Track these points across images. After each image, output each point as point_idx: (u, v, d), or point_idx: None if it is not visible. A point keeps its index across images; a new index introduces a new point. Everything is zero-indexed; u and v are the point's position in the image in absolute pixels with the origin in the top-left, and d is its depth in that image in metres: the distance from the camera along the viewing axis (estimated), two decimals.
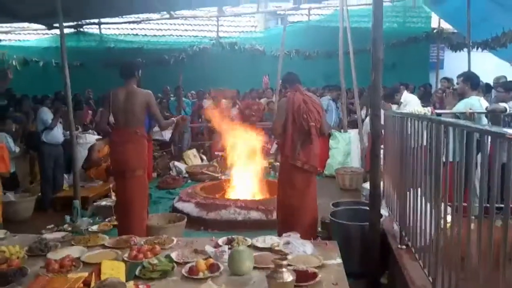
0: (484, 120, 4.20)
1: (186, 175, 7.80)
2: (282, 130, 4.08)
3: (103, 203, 5.84)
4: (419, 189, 2.78)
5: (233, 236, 3.18)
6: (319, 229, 4.48)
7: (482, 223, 1.80)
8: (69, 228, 4.89)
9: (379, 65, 3.13)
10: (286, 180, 4.14)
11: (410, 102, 5.45)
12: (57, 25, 9.74)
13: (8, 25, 11.27)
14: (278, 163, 8.30)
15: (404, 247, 3.14)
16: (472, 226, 1.94)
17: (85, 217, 5.39)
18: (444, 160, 2.19)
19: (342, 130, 8.22)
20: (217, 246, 3.02)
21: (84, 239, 3.24)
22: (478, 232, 1.76)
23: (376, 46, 3.10)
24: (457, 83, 4.72)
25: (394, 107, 5.70)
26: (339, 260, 2.77)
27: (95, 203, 5.89)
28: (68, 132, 6.23)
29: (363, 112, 8.08)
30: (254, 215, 5.13)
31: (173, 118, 5.25)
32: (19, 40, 12.27)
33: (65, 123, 6.24)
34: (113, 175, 4.48)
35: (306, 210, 4.08)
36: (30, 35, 12.20)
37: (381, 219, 3.67)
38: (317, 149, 4.16)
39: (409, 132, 2.97)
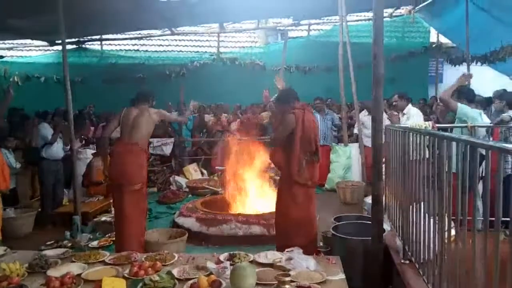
0: (482, 133, 4.21)
1: (187, 190, 7.77)
2: (283, 145, 3.99)
3: (103, 218, 5.80)
4: (421, 203, 2.77)
5: (235, 252, 3.17)
6: (321, 243, 4.45)
7: (487, 237, 1.79)
8: (69, 244, 4.85)
9: (381, 80, 3.14)
10: (287, 196, 4.06)
11: (414, 116, 5.46)
12: (59, 41, 9.87)
13: (10, 41, 11.39)
14: (278, 177, 8.32)
15: (407, 261, 3.12)
16: (477, 240, 1.93)
17: (85, 232, 5.36)
18: (446, 170, 2.18)
19: (342, 144, 8.21)
20: (218, 262, 3.00)
21: (84, 255, 3.21)
22: (483, 246, 1.75)
23: (377, 62, 3.12)
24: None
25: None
26: (342, 276, 2.75)
27: (95, 219, 5.85)
28: (68, 147, 6.24)
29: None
30: (256, 229, 5.09)
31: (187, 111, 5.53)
32: (21, 56, 12.36)
33: (65, 138, 6.24)
34: (111, 187, 4.51)
35: (306, 225, 4.03)
36: (32, 51, 12.29)
37: (384, 234, 3.65)
38: (317, 167, 4.17)
39: (411, 146, 2.97)
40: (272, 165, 8.63)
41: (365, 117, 7.61)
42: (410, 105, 5.84)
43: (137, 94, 4.56)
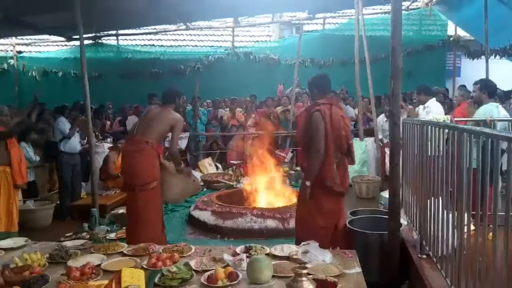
0: (500, 127, 4.14)
1: (202, 183, 7.82)
2: (323, 145, 3.54)
3: (121, 211, 5.87)
4: (439, 198, 2.74)
5: (251, 245, 3.18)
6: None
7: (509, 232, 1.77)
8: (87, 236, 4.94)
9: (398, 74, 3.11)
10: (312, 204, 3.65)
11: (433, 111, 5.36)
12: (76, 36, 10.00)
13: (28, 37, 11.56)
14: (293, 172, 8.32)
15: (424, 256, 3.10)
16: (498, 234, 1.91)
17: (103, 225, 5.45)
18: (467, 164, 2.15)
19: (358, 139, 8.16)
20: (235, 254, 3.02)
21: (103, 247, 3.27)
22: (505, 241, 1.73)
23: (395, 55, 3.09)
24: (473, 91, 4.66)
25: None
26: (358, 269, 2.74)
27: (112, 211, 5.94)
28: (85, 141, 6.33)
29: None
30: (271, 223, 5.11)
31: (182, 166, 4.66)
32: (39, 51, 12.55)
33: (82, 132, 6.33)
34: (123, 187, 4.37)
35: (334, 237, 3.60)
36: (49, 47, 12.47)
37: (400, 228, 3.63)
38: (347, 169, 3.81)
39: (429, 140, 2.94)
40: (287, 160, 8.75)
41: (384, 122, 7.54)
42: (433, 99, 5.70)
43: (163, 95, 4.40)
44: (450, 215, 2.50)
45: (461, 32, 11.24)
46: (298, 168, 8.64)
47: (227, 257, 2.88)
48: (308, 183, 3.58)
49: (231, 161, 8.99)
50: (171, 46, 12.65)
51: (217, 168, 8.94)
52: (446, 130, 2.52)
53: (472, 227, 2.25)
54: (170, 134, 4.27)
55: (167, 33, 12.24)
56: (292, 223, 5.16)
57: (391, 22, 3.12)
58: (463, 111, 5.47)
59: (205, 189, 7.54)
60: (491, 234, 1.93)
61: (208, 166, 8.86)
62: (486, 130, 1.97)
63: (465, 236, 2.26)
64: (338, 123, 3.57)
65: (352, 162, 3.72)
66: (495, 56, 9.19)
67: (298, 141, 4.11)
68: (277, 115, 9.53)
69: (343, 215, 3.86)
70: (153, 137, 4.15)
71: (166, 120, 4.18)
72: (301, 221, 3.82)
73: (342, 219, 3.80)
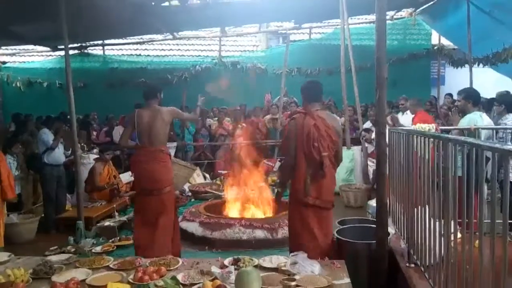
0: (484, 135, 4.20)
1: (190, 194, 7.76)
2: (293, 154, 3.49)
3: (107, 223, 5.81)
4: (426, 206, 2.76)
5: (239, 256, 3.15)
6: None
7: (494, 240, 1.78)
8: (73, 249, 4.85)
9: (384, 84, 3.14)
10: (296, 220, 3.62)
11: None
12: (61, 46, 9.92)
13: (13, 47, 11.45)
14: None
15: (412, 265, 3.10)
16: (484, 242, 1.92)
17: (88, 238, 5.36)
18: (452, 172, 2.17)
19: (345, 147, 8.20)
20: (223, 266, 2.99)
21: (89, 261, 3.20)
22: (491, 249, 1.74)
23: (380, 65, 3.12)
24: (458, 100, 4.73)
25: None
26: (347, 280, 2.73)
27: (98, 224, 5.86)
28: (69, 152, 6.25)
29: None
30: (259, 233, 5.08)
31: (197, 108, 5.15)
32: (23, 61, 12.42)
33: (66, 143, 6.25)
34: (139, 193, 4.43)
35: (316, 250, 3.42)
36: (34, 57, 12.35)
37: (388, 237, 3.63)
38: (332, 182, 3.61)
39: (415, 149, 2.96)
40: (275, 169, 8.74)
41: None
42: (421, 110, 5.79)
43: (144, 92, 4.45)
44: (437, 224, 2.51)
45: (445, 41, 11.43)
46: None
47: (215, 269, 2.84)
48: (279, 190, 3.73)
49: (219, 171, 8.96)
50: (157, 56, 12.63)
51: (205, 178, 8.89)
52: (432, 139, 2.54)
53: (459, 235, 2.27)
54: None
55: (154, 42, 12.21)
56: (280, 233, 5.16)
57: (376, 32, 3.15)
58: (423, 118, 5.54)
59: (193, 200, 7.48)
60: (477, 242, 1.94)
61: (196, 176, 8.80)
62: (470, 139, 1.99)
63: (452, 245, 2.27)
64: (308, 133, 3.42)
65: (324, 176, 3.45)
66: (478, 65, 9.34)
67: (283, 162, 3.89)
68: (265, 124, 9.54)
69: (326, 228, 3.66)
70: (163, 142, 4.37)
71: (165, 120, 4.30)
72: (291, 233, 3.78)
73: (326, 233, 3.64)
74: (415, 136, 2.92)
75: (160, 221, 4.23)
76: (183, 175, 5.02)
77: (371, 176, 7.40)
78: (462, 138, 2.18)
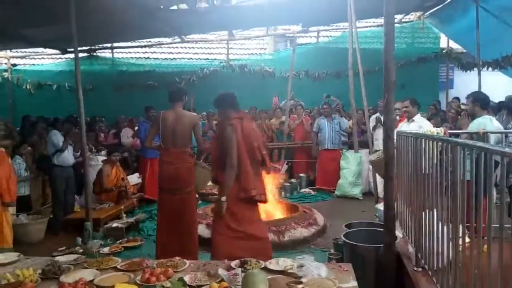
0: (493, 140, 4.17)
1: (197, 196, 7.77)
2: (236, 158, 3.61)
3: (115, 224, 5.84)
4: (434, 210, 2.74)
5: (246, 259, 3.15)
6: (332, 250, 4.42)
7: (503, 244, 1.77)
8: (81, 250, 4.88)
9: (392, 87, 3.14)
10: (243, 217, 3.72)
11: (424, 125, 5.28)
12: (71, 49, 10.02)
13: (23, 50, 11.57)
14: (288, 184, 8.32)
15: (420, 269, 3.09)
16: (492, 246, 1.91)
17: (96, 239, 5.39)
18: (460, 177, 2.16)
19: (353, 151, 8.19)
20: (230, 268, 2.99)
21: (96, 261, 3.22)
22: (499, 253, 1.73)
23: (388, 69, 3.12)
24: (466, 104, 4.70)
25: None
26: (354, 283, 2.72)
27: (106, 225, 5.89)
28: (78, 153, 6.30)
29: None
30: None
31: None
32: (33, 64, 12.55)
33: (75, 145, 6.30)
34: (163, 191, 4.59)
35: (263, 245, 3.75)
36: (44, 60, 12.47)
37: (396, 241, 3.62)
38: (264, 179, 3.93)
39: (423, 153, 2.95)
40: (282, 172, 8.73)
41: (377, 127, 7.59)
42: (419, 114, 5.70)
43: (170, 94, 4.64)
44: (445, 228, 2.50)
45: (454, 45, 11.37)
46: (293, 180, 8.67)
47: (222, 271, 2.85)
48: (223, 199, 3.59)
49: None
50: (166, 59, 12.69)
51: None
52: (440, 143, 2.54)
53: (468, 239, 2.25)
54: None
55: (162, 46, 12.30)
56: (287, 236, 5.16)
57: (384, 36, 3.15)
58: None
59: (200, 202, 7.50)
60: (486, 246, 1.93)
61: None
62: (480, 143, 1.98)
63: (460, 249, 2.26)
64: (249, 135, 3.69)
65: (268, 171, 3.85)
66: (487, 68, 9.28)
67: (214, 158, 4.02)
68: (271, 127, 9.56)
69: (257, 222, 3.89)
70: (187, 144, 4.56)
71: (187, 124, 4.49)
72: (218, 236, 3.79)
73: (254, 227, 3.81)
74: (423, 139, 2.91)
75: (185, 222, 4.43)
76: (203, 177, 5.07)
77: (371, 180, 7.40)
78: (471, 142, 2.17)
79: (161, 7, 7.71)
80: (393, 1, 3.16)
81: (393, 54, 3.17)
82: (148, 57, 12.69)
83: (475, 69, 8.98)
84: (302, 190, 8.48)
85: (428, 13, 10.83)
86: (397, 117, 5.84)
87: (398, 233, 3.92)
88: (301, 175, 8.86)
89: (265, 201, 3.87)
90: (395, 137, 3.33)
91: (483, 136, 4.06)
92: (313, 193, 8.30)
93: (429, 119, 8.12)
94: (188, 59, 12.80)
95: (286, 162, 9.20)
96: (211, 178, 3.98)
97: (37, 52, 11.79)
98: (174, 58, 12.76)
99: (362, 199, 7.67)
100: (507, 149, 1.66)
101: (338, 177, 8.07)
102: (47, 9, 6.53)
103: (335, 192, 8.05)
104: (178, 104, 4.56)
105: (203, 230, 5.33)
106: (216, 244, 3.76)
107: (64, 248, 5.12)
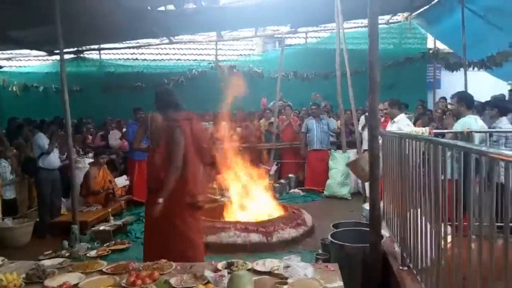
0: (478, 139, 4.21)
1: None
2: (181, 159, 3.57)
3: (102, 227, 5.80)
4: (418, 209, 2.77)
5: (233, 260, 3.14)
6: (319, 250, 4.44)
7: (482, 243, 1.79)
8: (67, 254, 4.84)
9: (376, 88, 3.16)
10: (189, 222, 3.72)
11: (404, 127, 5.31)
12: (58, 51, 9.92)
13: (9, 51, 11.44)
14: (278, 185, 8.33)
15: (405, 268, 3.11)
16: (473, 245, 1.93)
17: (83, 242, 5.35)
18: (442, 177, 2.19)
19: (341, 151, 8.23)
20: (216, 270, 2.98)
21: (82, 265, 3.19)
22: (479, 252, 1.75)
23: (372, 69, 3.14)
24: (451, 104, 4.75)
25: None
26: (340, 283, 2.72)
27: (93, 228, 5.84)
28: (64, 156, 6.24)
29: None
30: (254, 237, 5.09)
31: None
32: (20, 66, 12.41)
33: (61, 147, 6.24)
34: (151, 192, 4.47)
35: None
36: (31, 61, 12.35)
37: (382, 240, 3.64)
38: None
39: (407, 152, 2.97)
40: (272, 173, 8.74)
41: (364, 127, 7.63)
42: (402, 115, 5.70)
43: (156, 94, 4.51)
44: (428, 226, 2.52)
45: (440, 45, 11.48)
46: (282, 181, 8.68)
47: (208, 273, 2.84)
48: (160, 200, 3.53)
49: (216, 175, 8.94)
50: (154, 60, 12.64)
51: None
52: (423, 143, 2.56)
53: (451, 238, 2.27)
54: None
55: (150, 47, 12.23)
56: (275, 237, 5.17)
57: (369, 37, 3.17)
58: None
59: None
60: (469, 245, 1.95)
61: None
62: (460, 143, 2.00)
63: (442, 247, 2.28)
64: (199, 137, 3.64)
65: (218, 172, 3.78)
66: (473, 68, 9.39)
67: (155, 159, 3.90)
68: (259, 128, 9.56)
69: (196, 228, 3.84)
70: None
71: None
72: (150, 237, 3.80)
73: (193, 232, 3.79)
74: (407, 140, 2.94)
75: (173, 223, 4.26)
76: None
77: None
78: (452, 141, 2.19)
79: (148, 8, 7.67)
80: (378, 2, 3.18)
81: (378, 54, 3.19)
82: (136, 59, 12.62)
83: (462, 69, 9.08)
84: (291, 190, 8.50)
85: (415, 14, 10.92)
86: (382, 118, 5.86)
87: (385, 232, 3.94)
88: (290, 175, 8.88)
89: (202, 207, 3.77)
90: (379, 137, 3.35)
91: (468, 135, 4.11)
92: (302, 193, 8.33)
93: (416, 119, 8.24)
94: (177, 60, 12.76)
95: (275, 163, 9.21)
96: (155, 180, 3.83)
97: (24, 54, 11.66)
98: (162, 59, 12.72)
99: (351, 199, 7.71)
100: (484, 148, 1.69)
101: (327, 177, 8.10)
102: (33, 11, 6.47)
103: (324, 192, 8.08)
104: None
105: None
106: (148, 245, 3.83)
107: (50, 251, 5.07)
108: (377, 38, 3.16)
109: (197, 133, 3.62)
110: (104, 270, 3.08)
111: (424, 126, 6.92)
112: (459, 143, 2.01)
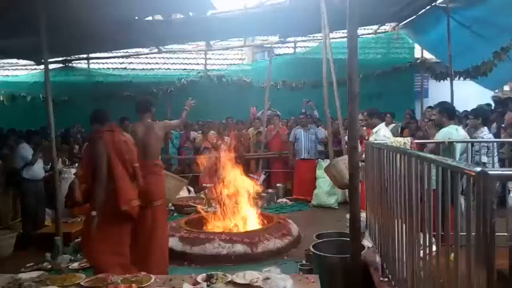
0: (459, 148, 4.24)
1: (173, 208, 7.71)
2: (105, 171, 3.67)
3: None
4: (396, 220, 2.77)
5: (212, 273, 3.12)
6: (303, 261, 4.42)
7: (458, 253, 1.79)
8: (49, 266, 4.78)
9: (355, 99, 3.18)
10: (118, 231, 3.86)
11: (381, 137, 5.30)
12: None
13: None
14: (266, 194, 8.31)
15: (386, 279, 3.10)
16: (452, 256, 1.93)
17: (66, 254, 5.27)
18: (414, 188, 2.19)
19: (328, 160, 8.23)
20: (195, 283, 2.95)
21: (60, 278, 3.14)
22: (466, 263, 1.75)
23: (351, 81, 3.16)
24: (434, 114, 4.79)
25: None
26: None
27: (77, 239, 5.76)
28: (48, 166, 6.18)
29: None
30: (239, 248, 5.05)
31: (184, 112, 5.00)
32: (7, 75, 12.32)
33: (46, 157, 6.18)
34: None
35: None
36: (18, 71, 12.27)
37: (364, 251, 3.64)
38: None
39: (385, 164, 2.98)
40: (260, 182, 8.71)
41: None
42: (382, 125, 5.70)
43: (137, 105, 4.56)
44: (404, 238, 2.52)
45: (428, 55, 11.61)
46: (271, 191, 8.66)
47: (186, 286, 2.81)
48: (94, 213, 3.61)
49: (204, 184, 8.91)
50: (143, 69, 12.63)
51: (189, 192, 8.84)
52: (399, 155, 2.57)
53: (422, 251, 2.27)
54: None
55: (139, 56, 12.22)
56: (260, 247, 5.13)
57: (347, 48, 3.20)
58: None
59: (175, 214, 7.43)
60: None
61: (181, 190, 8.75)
62: (429, 155, 2.02)
63: (417, 259, 2.28)
64: (120, 148, 3.74)
65: (140, 184, 3.84)
66: (459, 78, 9.48)
67: (84, 172, 3.95)
68: (249, 138, 9.56)
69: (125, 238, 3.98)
70: (157, 156, 4.54)
71: (157, 135, 4.47)
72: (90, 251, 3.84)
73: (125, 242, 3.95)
74: (384, 150, 2.95)
75: (155, 236, 4.32)
76: (175, 188, 5.08)
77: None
78: (422, 153, 2.20)
79: (136, 18, 7.68)
80: (356, 14, 3.21)
81: (357, 65, 3.21)
82: (125, 68, 12.60)
83: (448, 78, 9.17)
84: (279, 200, 8.48)
85: (402, 24, 11.06)
86: (364, 128, 5.89)
87: (368, 243, 3.94)
88: (278, 185, 8.87)
89: (134, 215, 3.86)
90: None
91: (449, 145, 4.14)
92: (290, 203, 8.31)
93: (403, 128, 8.29)
94: (166, 69, 12.76)
95: (263, 172, 9.20)
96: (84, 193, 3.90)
97: (11, 63, 11.60)
98: (151, 69, 12.71)
99: (338, 209, 7.70)
100: (449, 161, 1.70)
101: (315, 186, 8.10)
102: (18, 20, 6.44)
103: (312, 201, 8.07)
104: (146, 115, 4.51)
105: (176, 243, 5.26)
106: (88, 256, 3.93)
107: (32, 264, 5.00)
108: (356, 49, 3.18)
109: (118, 144, 3.74)
110: (82, 283, 3.03)
111: (412, 135, 7.00)
112: (428, 155, 2.03)
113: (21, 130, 8.64)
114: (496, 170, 1.40)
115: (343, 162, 5.25)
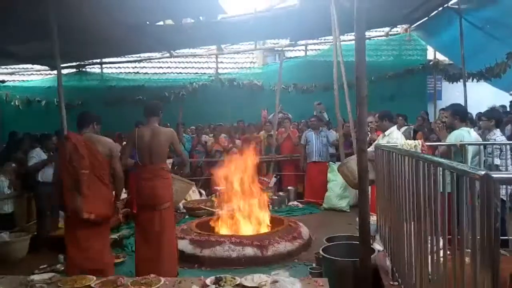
0: (471, 151, 4.18)
1: (184, 211, 7.74)
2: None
3: None
4: (405, 224, 2.75)
5: (221, 275, 3.13)
6: (313, 264, 4.40)
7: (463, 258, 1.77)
8: (62, 268, 4.83)
9: (364, 102, 3.16)
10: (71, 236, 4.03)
11: (394, 140, 5.22)
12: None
13: (12, 66, 11.60)
14: (277, 197, 8.30)
15: (396, 283, 3.08)
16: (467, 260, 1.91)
17: None
18: (422, 192, 2.17)
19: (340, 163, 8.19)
20: (204, 286, 2.97)
21: (71, 280, 3.19)
22: (472, 267, 1.73)
23: (360, 83, 3.14)
24: (445, 116, 4.73)
25: None
26: None
27: None
28: None
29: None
30: (249, 251, 5.04)
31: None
32: (22, 80, 12.56)
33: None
34: (140, 209, 4.55)
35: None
36: (33, 76, 12.49)
37: (375, 254, 3.62)
38: (104, 196, 4.06)
39: (395, 167, 2.96)
40: (271, 185, 8.70)
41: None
42: (394, 127, 5.59)
43: (145, 109, 4.58)
44: (413, 242, 2.50)
45: (441, 57, 11.50)
46: (282, 193, 8.65)
47: None
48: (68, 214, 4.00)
49: (215, 187, 8.93)
50: (155, 73, 12.75)
51: (200, 194, 8.88)
52: (407, 157, 2.55)
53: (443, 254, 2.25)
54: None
55: (152, 60, 12.36)
56: (271, 250, 5.13)
57: (355, 52, 3.19)
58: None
59: (186, 217, 7.46)
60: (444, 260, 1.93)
61: (192, 193, 8.79)
62: (436, 158, 2.00)
63: (430, 263, 2.26)
64: (66, 156, 3.87)
65: (82, 195, 3.86)
66: (472, 80, 9.38)
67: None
68: (260, 141, 9.57)
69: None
70: (164, 160, 4.55)
71: (163, 140, 4.46)
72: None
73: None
74: (394, 153, 2.93)
75: (163, 237, 4.36)
76: (181, 190, 5.11)
77: None
78: (429, 156, 2.18)
79: (147, 22, 7.76)
80: (364, 17, 3.20)
81: (365, 68, 3.20)
82: (137, 72, 12.75)
83: (461, 80, 9.07)
84: (290, 203, 8.46)
85: (414, 25, 10.98)
86: (370, 130, 5.84)
87: (379, 246, 3.91)
88: (289, 188, 8.85)
89: (99, 221, 4.00)
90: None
91: (461, 148, 4.09)
92: (301, 206, 8.29)
93: (416, 131, 8.22)
94: (178, 73, 12.88)
95: (274, 175, 9.19)
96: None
97: (26, 68, 11.82)
98: (163, 73, 12.84)
99: (350, 212, 7.65)
100: (454, 164, 1.68)
101: (326, 189, 8.06)
102: (30, 26, 6.56)
103: (323, 204, 8.03)
104: (154, 119, 4.51)
105: (186, 245, 5.29)
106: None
107: (45, 266, 5.06)
108: (364, 52, 3.17)
109: (67, 152, 3.86)
110: (92, 285, 3.08)
111: (425, 138, 6.92)
112: (435, 158, 2.01)
113: (36, 134, 8.77)
114: (500, 174, 1.37)
115: (354, 161, 5.20)
